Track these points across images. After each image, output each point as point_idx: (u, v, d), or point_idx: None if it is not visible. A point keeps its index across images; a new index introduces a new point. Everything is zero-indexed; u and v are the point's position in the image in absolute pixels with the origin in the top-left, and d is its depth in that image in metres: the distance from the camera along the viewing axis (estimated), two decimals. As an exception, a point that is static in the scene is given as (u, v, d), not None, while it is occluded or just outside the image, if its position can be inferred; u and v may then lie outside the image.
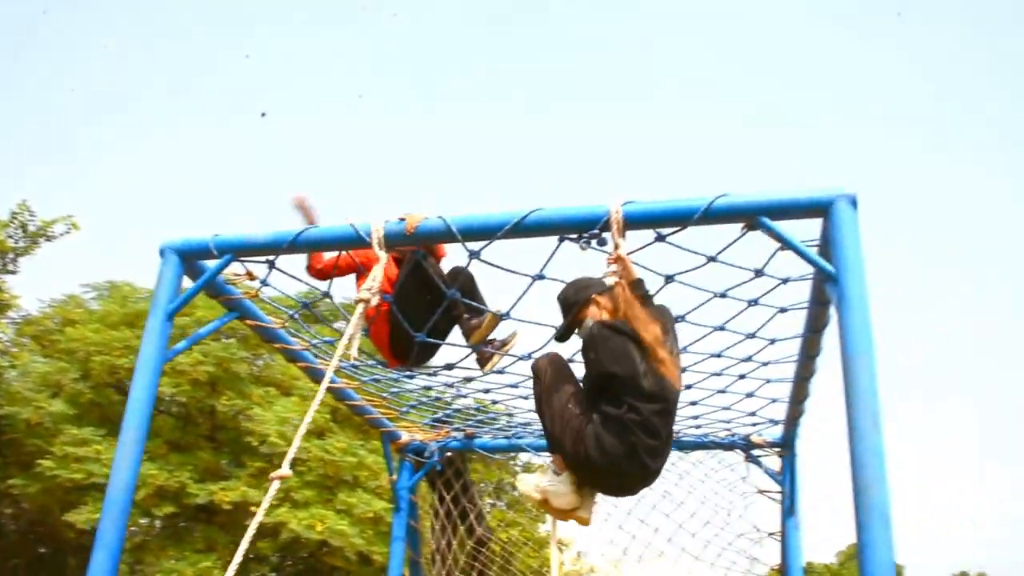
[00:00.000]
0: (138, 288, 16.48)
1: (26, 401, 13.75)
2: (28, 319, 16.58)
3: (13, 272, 15.13)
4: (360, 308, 3.68)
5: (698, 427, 6.43)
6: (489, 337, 4.33)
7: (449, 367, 4.81)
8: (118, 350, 14.05)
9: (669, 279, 3.72)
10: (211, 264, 4.25)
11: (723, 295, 3.86)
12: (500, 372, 4.82)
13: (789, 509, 6.65)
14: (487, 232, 3.54)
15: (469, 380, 5.41)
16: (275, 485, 3.29)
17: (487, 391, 5.58)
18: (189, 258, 4.20)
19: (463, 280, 4.26)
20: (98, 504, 12.90)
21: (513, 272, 3.60)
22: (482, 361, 4.45)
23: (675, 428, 6.34)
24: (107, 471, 13.06)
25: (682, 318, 3.99)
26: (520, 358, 4.51)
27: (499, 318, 4.19)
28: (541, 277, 3.62)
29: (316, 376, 5.44)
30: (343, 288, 25.09)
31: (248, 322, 4.63)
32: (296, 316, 4.81)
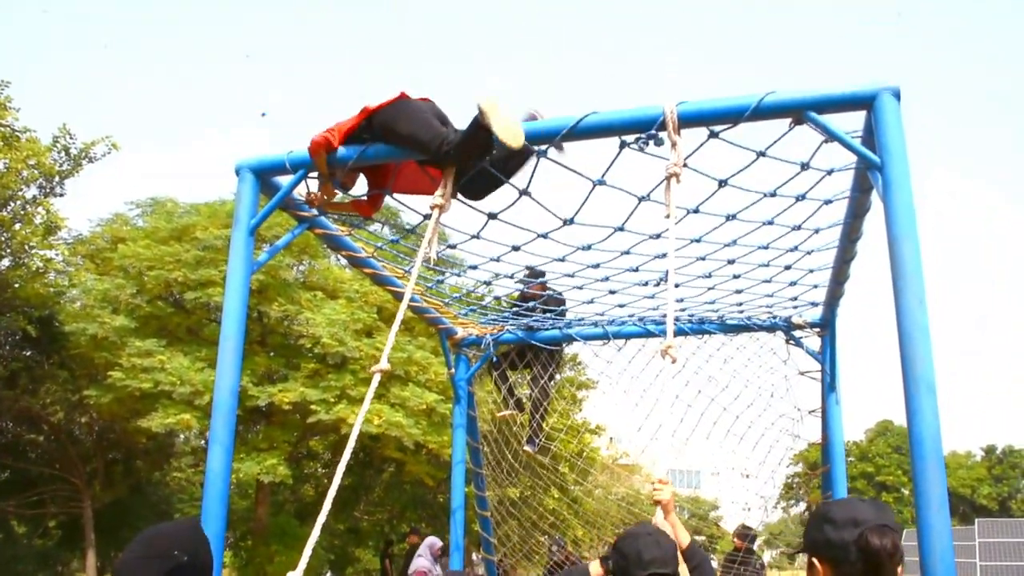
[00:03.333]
0: (180, 204, 16.83)
1: (90, 318, 14.35)
2: (80, 239, 17.09)
3: (61, 195, 15.53)
4: (435, 214, 3.92)
5: (741, 311, 6.69)
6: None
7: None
8: (170, 264, 14.51)
9: (723, 183, 3.91)
10: (282, 180, 4.55)
11: (773, 194, 4.05)
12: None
13: (830, 385, 6.97)
14: (546, 136, 3.74)
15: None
16: (376, 378, 3.60)
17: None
18: (264, 175, 4.48)
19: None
20: (168, 410, 13.67)
21: (577, 173, 3.79)
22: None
23: (718, 311, 6.70)
24: (172, 379, 13.72)
25: (734, 216, 4.22)
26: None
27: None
28: (602, 182, 3.84)
29: (383, 282, 5.80)
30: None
31: (318, 231, 4.93)
32: (362, 224, 5.12)
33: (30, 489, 18.50)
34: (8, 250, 14.73)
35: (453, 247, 4.96)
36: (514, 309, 6.62)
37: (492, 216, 4.25)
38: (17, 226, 14.57)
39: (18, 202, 14.74)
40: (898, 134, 3.35)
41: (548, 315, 6.67)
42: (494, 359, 7.20)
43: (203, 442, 21.43)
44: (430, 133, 3.80)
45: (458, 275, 6.03)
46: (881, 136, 3.36)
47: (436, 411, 14.58)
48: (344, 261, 9.15)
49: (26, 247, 14.72)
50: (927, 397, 3.10)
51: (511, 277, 5.84)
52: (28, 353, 16.92)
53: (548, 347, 7.03)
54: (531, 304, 6.45)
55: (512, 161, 3.99)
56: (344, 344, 14.20)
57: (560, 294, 6.44)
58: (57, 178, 15.35)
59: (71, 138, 15.47)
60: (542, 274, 5.95)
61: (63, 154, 15.38)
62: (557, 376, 7.75)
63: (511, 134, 3.50)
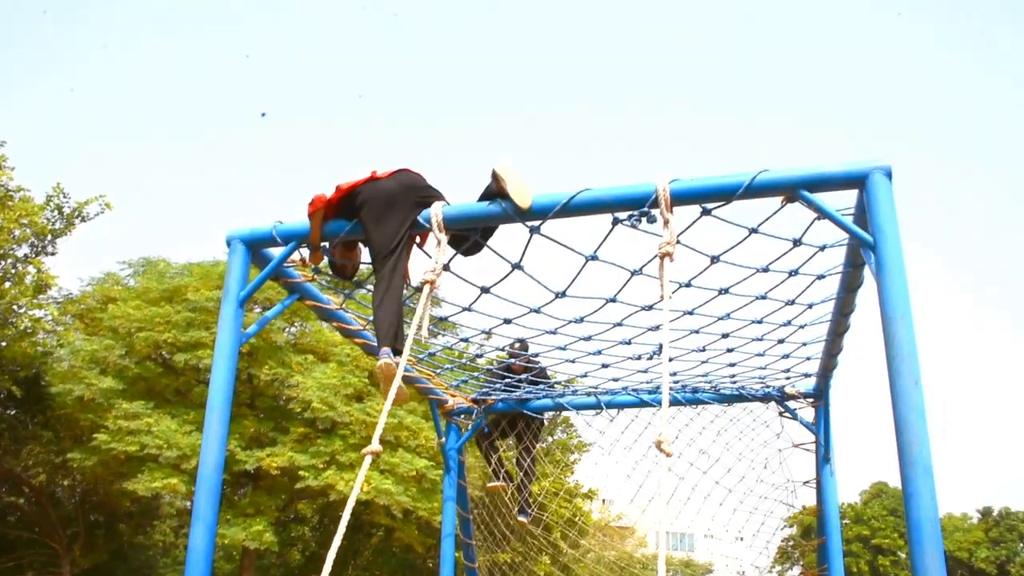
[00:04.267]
0: (172, 264, 16.81)
1: (77, 379, 14.19)
2: (70, 299, 16.99)
3: (52, 254, 15.47)
4: (427, 290, 3.89)
5: (734, 381, 6.65)
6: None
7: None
8: (160, 325, 14.42)
9: (715, 259, 3.91)
10: (273, 251, 4.53)
11: (766, 270, 4.05)
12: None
13: (824, 457, 6.88)
14: (540, 212, 3.74)
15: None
16: (367, 460, 3.55)
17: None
18: (254, 246, 4.46)
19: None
20: (154, 473, 13.43)
21: (570, 248, 3.79)
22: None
23: (712, 382, 6.67)
24: (159, 442, 13.48)
25: (727, 290, 4.21)
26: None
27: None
28: (595, 258, 3.83)
29: (375, 352, 5.72)
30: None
31: (309, 303, 4.90)
32: (353, 295, 5.08)
33: (7, 554, 18.03)
34: (-4, 309, 14.63)
35: (445, 319, 4.91)
36: (505, 380, 6.59)
37: (485, 290, 4.23)
38: (7, 285, 14.49)
39: (9, 260, 14.68)
40: (890, 213, 3.36)
41: (538, 386, 6.65)
42: (484, 428, 7.13)
43: (188, 504, 21.04)
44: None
45: (450, 346, 5.99)
46: (874, 215, 3.36)
47: (426, 477, 14.38)
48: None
49: (15, 307, 14.62)
50: (924, 480, 3.04)
51: (502, 350, 5.81)
52: (12, 413, 16.68)
53: (537, 415, 7.01)
54: (523, 377, 6.44)
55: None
56: (334, 409, 14.05)
57: (541, 365, 6.46)
58: (49, 237, 15.32)
59: (64, 197, 15.50)
60: (527, 348, 5.99)
61: (56, 213, 15.39)
62: (545, 441, 7.74)
63: (523, 196, 3.72)
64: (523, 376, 6.46)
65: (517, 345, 5.93)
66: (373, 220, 3.97)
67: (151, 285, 15.64)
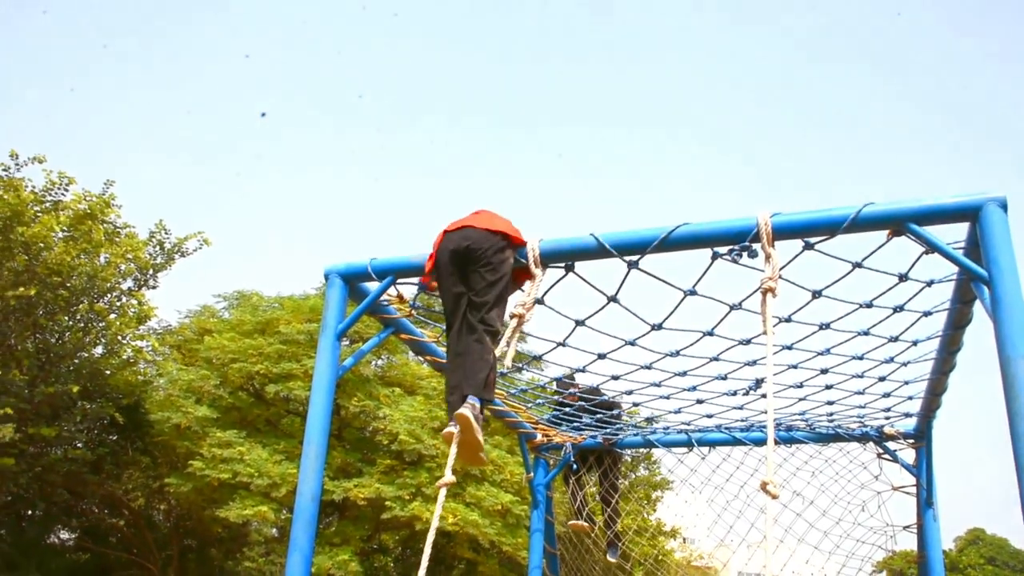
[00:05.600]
0: (265, 297, 17.35)
1: (174, 407, 14.71)
2: (169, 330, 17.70)
3: (154, 287, 16.19)
4: (514, 323, 3.93)
5: (832, 419, 6.45)
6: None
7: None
8: (253, 357, 14.84)
9: (816, 294, 3.82)
10: (369, 286, 4.64)
11: (869, 305, 3.93)
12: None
13: (926, 501, 6.59)
14: (638, 247, 3.72)
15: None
16: (443, 492, 3.61)
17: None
18: (352, 280, 4.57)
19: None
20: (245, 500, 13.76)
21: (668, 284, 3.75)
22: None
23: (808, 420, 6.47)
24: (250, 471, 13.81)
25: (828, 325, 4.10)
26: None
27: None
28: (693, 292, 3.79)
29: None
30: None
31: (404, 336, 4.98)
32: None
33: (107, 574, 18.69)
34: (103, 339, 15.32)
35: (539, 358, 4.92)
36: (567, 412, 6.56)
37: (579, 323, 4.22)
38: (112, 316, 15.19)
39: (115, 293, 15.40)
40: (1007, 247, 3.23)
41: (609, 419, 6.59)
42: (573, 465, 7.08)
43: (275, 531, 21.44)
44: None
45: (542, 385, 6.00)
46: (989, 249, 3.23)
47: (511, 512, 14.30)
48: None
49: (119, 337, 15.30)
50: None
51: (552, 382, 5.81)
52: (114, 439, 17.38)
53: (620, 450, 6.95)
54: (578, 405, 6.38)
55: None
56: (421, 442, 14.16)
57: (603, 397, 6.31)
58: (151, 271, 16.03)
59: (166, 233, 16.21)
60: (573, 377, 5.96)
61: (158, 248, 16.09)
62: (627, 477, 7.73)
63: (472, 456, 3.69)
64: (578, 404, 6.40)
65: (566, 377, 5.90)
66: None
67: (245, 318, 16.14)
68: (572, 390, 6.21)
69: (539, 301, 4.00)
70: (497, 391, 5.87)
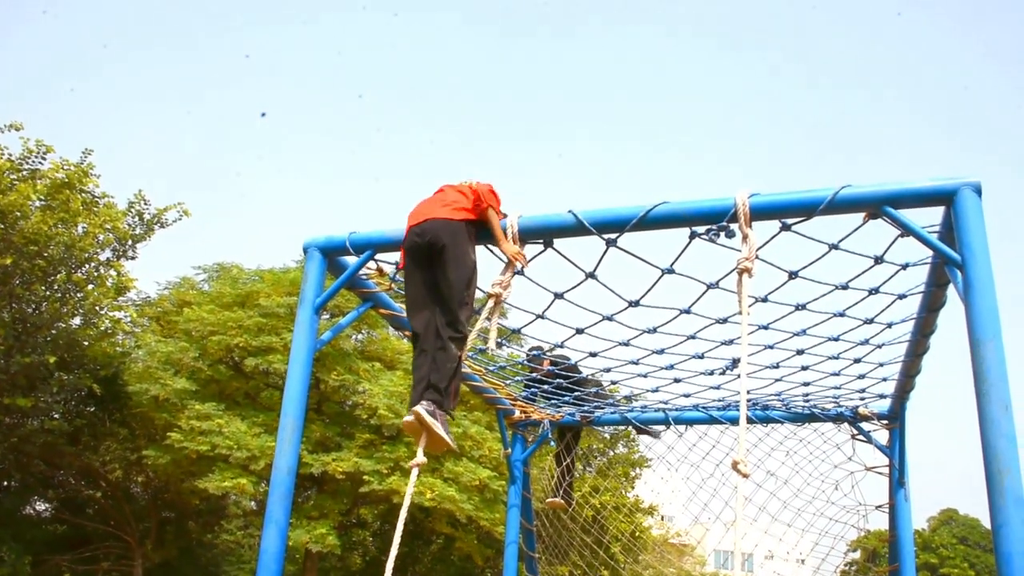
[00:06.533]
0: (245, 270, 17.21)
1: (152, 379, 14.64)
2: (148, 302, 17.56)
3: (132, 258, 16.01)
4: (491, 303, 3.94)
5: (807, 400, 6.52)
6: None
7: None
8: (232, 330, 14.77)
9: (793, 275, 3.85)
10: (349, 259, 4.61)
11: (844, 287, 3.97)
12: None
13: (898, 481, 6.69)
14: (617, 224, 3.73)
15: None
16: (415, 472, 3.64)
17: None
18: (331, 255, 4.55)
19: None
20: (224, 472, 13.76)
21: (646, 262, 3.77)
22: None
23: (784, 400, 6.53)
24: (229, 443, 13.79)
25: (804, 306, 4.14)
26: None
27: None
28: (671, 271, 3.80)
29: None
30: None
31: (383, 311, 4.97)
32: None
33: (84, 545, 18.66)
34: (81, 310, 15.17)
35: (517, 331, 4.93)
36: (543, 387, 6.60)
37: (558, 296, 4.23)
38: (90, 287, 15.04)
39: (93, 264, 15.24)
40: (980, 231, 3.26)
41: (588, 396, 6.63)
42: (551, 442, 7.13)
43: (253, 504, 21.47)
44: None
45: (522, 362, 6.02)
46: (962, 233, 3.27)
47: (489, 487, 14.39)
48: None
49: (97, 308, 15.16)
50: (1016, 511, 2.93)
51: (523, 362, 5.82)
52: (92, 410, 17.29)
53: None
54: (555, 382, 6.40)
55: None
56: (400, 416, 14.18)
57: (570, 361, 6.27)
58: (130, 242, 15.85)
59: (145, 203, 16.02)
60: (542, 354, 6.01)
61: (137, 219, 15.91)
62: (605, 455, 7.89)
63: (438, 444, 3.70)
64: (556, 382, 6.42)
65: (533, 349, 5.96)
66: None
67: (224, 290, 16.03)
68: (547, 367, 6.22)
69: (519, 272, 3.98)
70: (476, 367, 5.89)
